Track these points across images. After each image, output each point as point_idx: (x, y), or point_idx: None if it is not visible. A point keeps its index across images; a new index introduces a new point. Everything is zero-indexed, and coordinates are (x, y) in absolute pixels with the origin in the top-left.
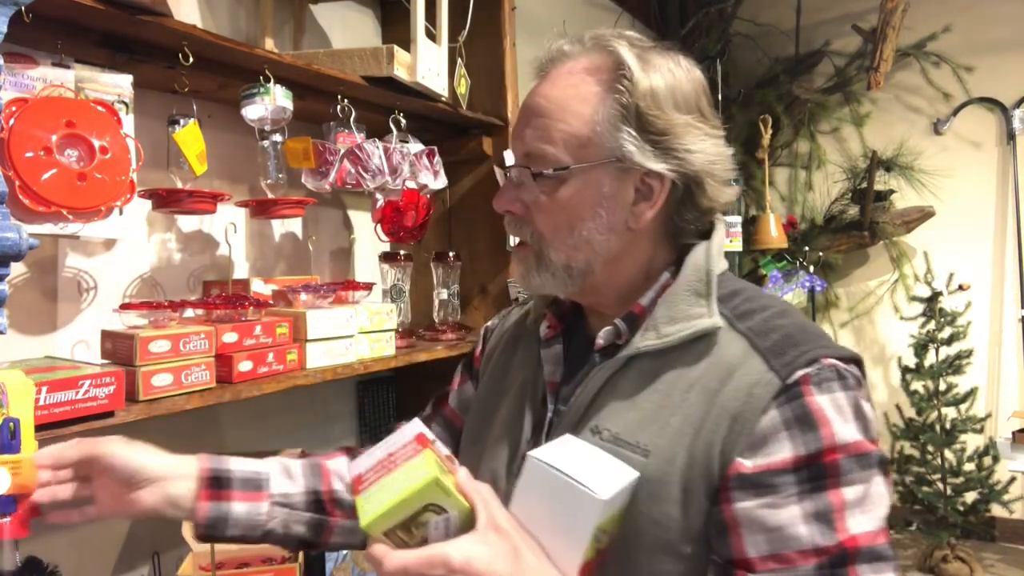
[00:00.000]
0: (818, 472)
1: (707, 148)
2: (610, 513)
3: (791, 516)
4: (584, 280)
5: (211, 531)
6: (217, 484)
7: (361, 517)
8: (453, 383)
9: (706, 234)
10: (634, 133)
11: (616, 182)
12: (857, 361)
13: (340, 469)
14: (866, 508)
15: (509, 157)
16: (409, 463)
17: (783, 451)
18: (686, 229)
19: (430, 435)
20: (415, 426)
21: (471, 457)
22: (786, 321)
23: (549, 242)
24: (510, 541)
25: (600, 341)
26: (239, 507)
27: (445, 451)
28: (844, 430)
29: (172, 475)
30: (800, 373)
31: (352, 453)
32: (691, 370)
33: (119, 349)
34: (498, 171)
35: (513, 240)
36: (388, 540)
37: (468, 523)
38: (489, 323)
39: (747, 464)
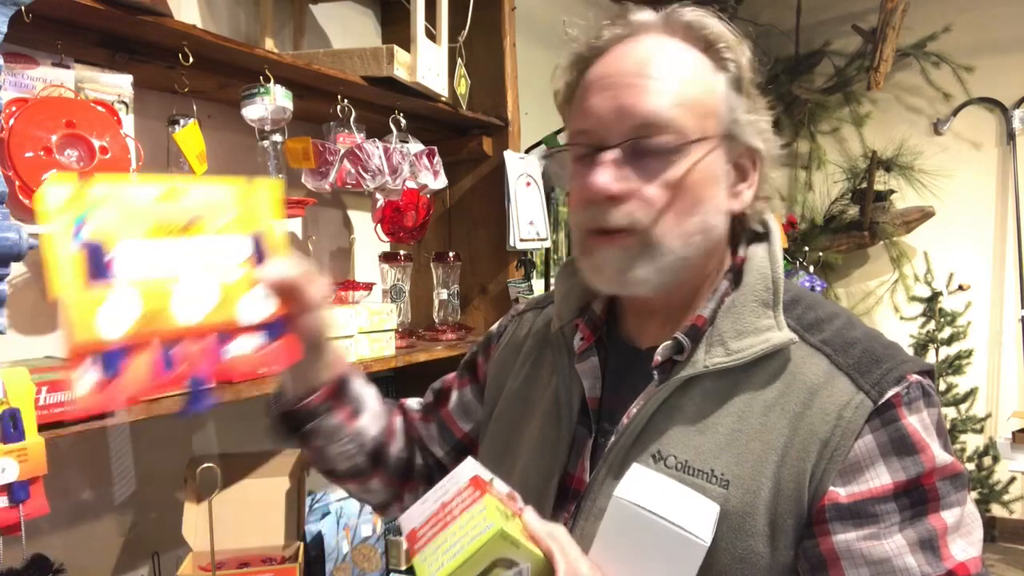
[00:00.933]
0: (919, 498)
1: (770, 128)
2: None
3: (896, 547)
4: (674, 276)
5: (301, 423)
6: (339, 391)
7: None
8: (452, 384)
9: (758, 235)
10: (743, 107)
11: (725, 159)
12: (932, 373)
13: (398, 430)
14: (964, 532)
15: (596, 128)
16: (468, 514)
17: (881, 477)
18: (747, 224)
19: (486, 474)
20: (469, 467)
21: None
22: (859, 333)
23: (668, 227)
24: None
25: (659, 357)
26: (333, 420)
27: (504, 488)
28: (939, 452)
29: (331, 360)
30: (891, 393)
31: (404, 413)
32: (766, 390)
33: None
34: (574, 149)
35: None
36: None
37: (545, 574)
38: (494, 328)
39: (842, 493)
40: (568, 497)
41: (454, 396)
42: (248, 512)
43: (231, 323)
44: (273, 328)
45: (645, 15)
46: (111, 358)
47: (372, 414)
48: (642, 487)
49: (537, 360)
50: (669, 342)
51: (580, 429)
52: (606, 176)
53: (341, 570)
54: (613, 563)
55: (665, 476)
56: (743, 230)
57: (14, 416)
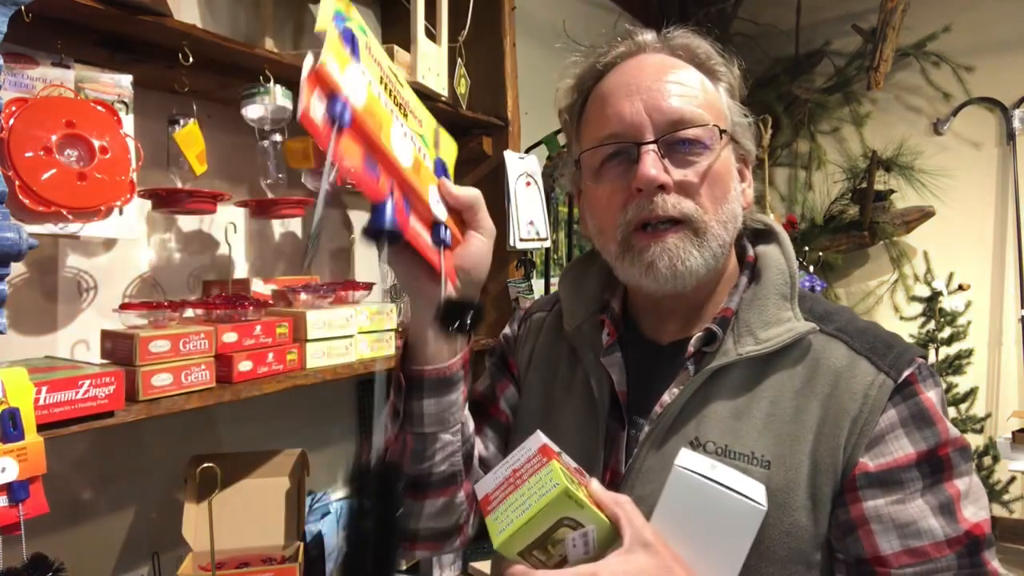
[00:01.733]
0: (937, 466)
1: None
2: None
3: (920, 510)
4: (719, 263)
5: (432, 390)
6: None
7: (493, 538)
8: (489, 391)
9: (762, 235)
10: (738, 112)
11: (732, 158)
12: (926, 357)
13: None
14: (974, 498)
15: (631, 128)
16: (535, 476)
17: (905, 448)
18: (748, 223)
19: (555, 447)
20: (537, 438)
21: None
22: (865, 323)
23: (712, 215)
24: (662, 558)
25: (691, 348)
26: (456, 396)
27: (573, 463)
28: (951, 426)
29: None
30: (908, 372)
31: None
32: (794, 376)
33: (119, 349)
34: (608, 148)
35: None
36: (525, 562)
37: (609, 539)
38: (508, 330)
39: (870, 463)
40: (605, 487)
41: (501, 399)
42: (248, 512)
43: (419, 194)
44: (438, 234)
45: (647, 36)
46: (340, 109)
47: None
48: (697, 461)
49: (555, 358)
50: (701, 333)
51: (612, 423)
52: (654, 167)
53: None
54: (675, 533)
55: (711, 458)
56: (746, 229)
57: (13, 416)
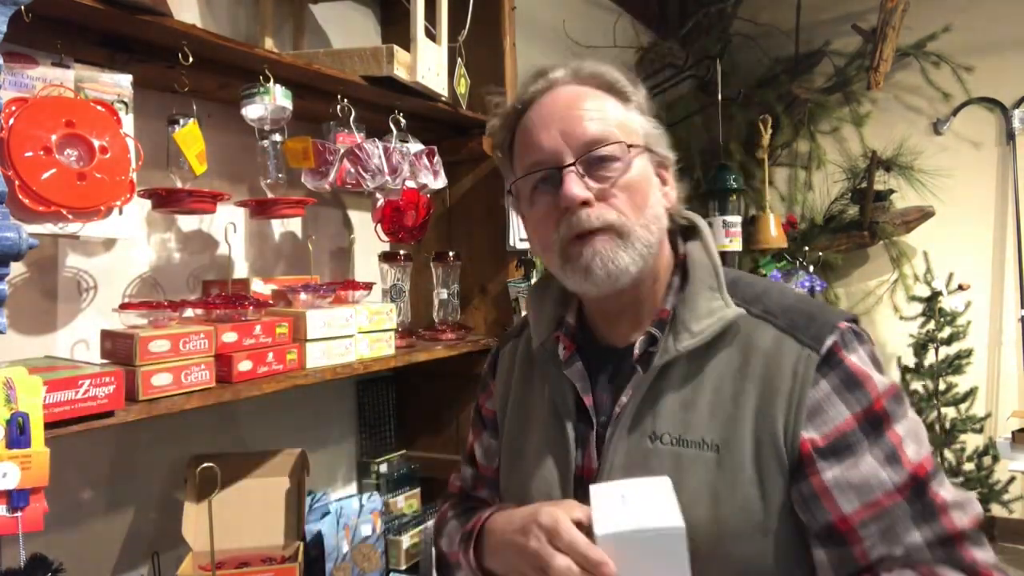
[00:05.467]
0: (875, 421)
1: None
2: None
3: (871, 467)
4: (648, 261)
5: None
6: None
7: None
8: (471, 442)
9: (691, 234)
10: (651, 126)
11: (651, 166)
12: (856, 320)
13: None
14: (913, 437)
15: (551, 156)
16: None
17: (843, 413)
18: (676, 223)
19: None
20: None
21: (512, 482)
22: (791, 299)
23: (634, 220)
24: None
25: (637, 350)
26: None
27: None
28: (880, 378)
29: None
30: (830, 341)
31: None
32: (730, 361)
33: (119, 349)
34: (536, 175)
35: (546, 235)
36: None
37: None
38: (484, 371)
39: (817, 436)
40: (583, 485)
41: (478, 450)
42: (248, 512)
43: None
44: None
45: (558, 72)
46: None
47: None
48: (609, 509)
49: (528, 379)
50: (643, 336)
51: (580, 426)
52: (576, 187)
53: (341, 570)
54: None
55: (616, 482)
56: (676, 229)
57: (23, 422)
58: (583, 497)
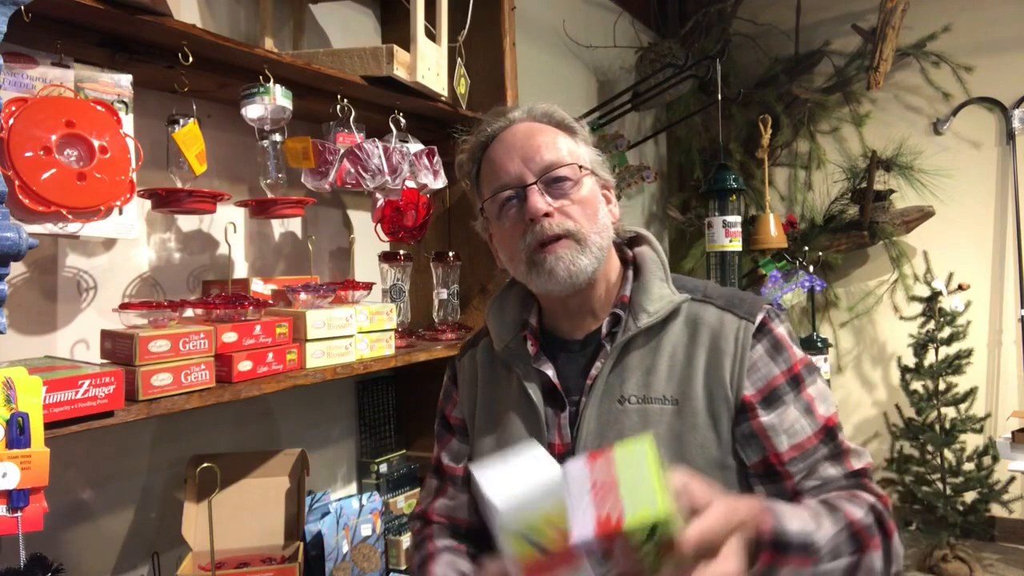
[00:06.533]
0: (796, 380)
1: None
2: (528, 518)
3: (795, 415)
4: (601, 263)
5: None
6: None
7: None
8: (438, 451)
9: (637, 241)
10: (592, 153)
11: (596, 186)
12: (775, 303)
13: None
14: (823, 398)
15: (516, 178)
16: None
17: (773, 371)
18: (622, 235)
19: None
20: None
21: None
22: (725, 288)
23: (588, 228)
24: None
25: (604, 329)
26: None
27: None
28: (798, 350)
29: None
30: (761, 315)
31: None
32: (680, 334)
33: (119, 349)
34: (506, 193)
35: (527, 241)
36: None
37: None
38: (446, 380)
39: (754, 389)
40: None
41: (445, 456)
42: (248, 512)
43: None
44: None
45: (516, 112)
46: None
47: None
48: (491, 467)
49: (494, 380)
50: (608, 317)
51: (549, 411)
52: (539, 201)
53: (341, 570)
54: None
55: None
56: (622, 242)
57: (23, 421)
58: None
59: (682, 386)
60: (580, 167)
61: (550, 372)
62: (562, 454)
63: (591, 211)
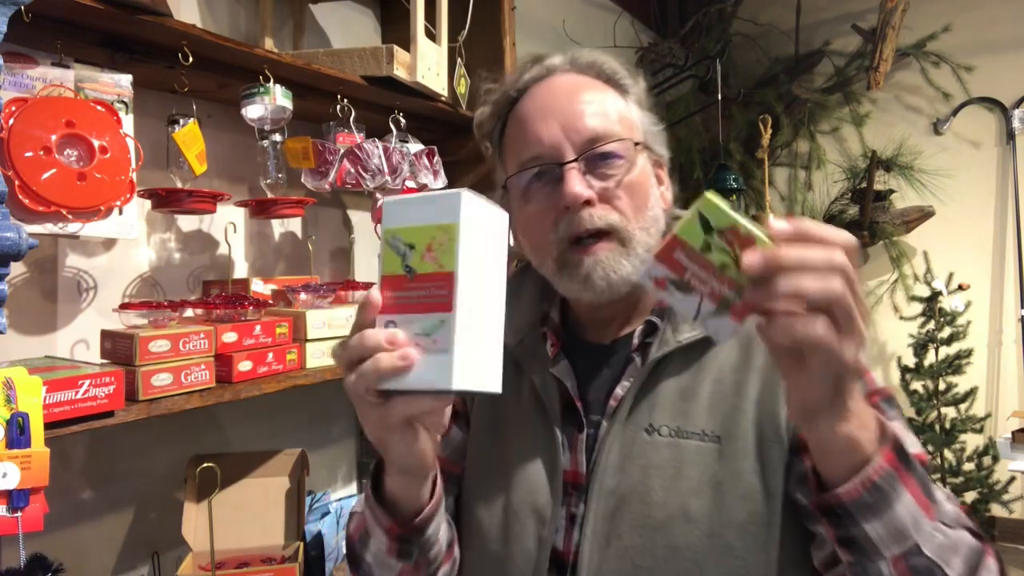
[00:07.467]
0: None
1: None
2: (410, 223)
3: None
4: None
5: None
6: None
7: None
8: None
9: None
10: (649, 121)
11: (649, 165)
12: None
13: None
14: (905, 434)
15: (551, 149)
16: None
17: None
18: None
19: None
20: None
21: (489, 492)
22: None
23: (635, 223)
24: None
25: (636, 341)
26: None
27: None
28: (874, 378)
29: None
30: None
31: None
32: (731, 353)
33: (119, 349)
34: (536, 168)
35: (554, 235)
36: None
37: None
38: None
39: None
40: (568, 491)
41: (443, 443)
42: (248, 512)
43: None
44: None
45: (556, 59)
46: None
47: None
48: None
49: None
50: (642, 325)
51: (567, 428)
52: (578, 185)
53: (341, 570)
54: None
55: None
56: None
57: (23, 421)
58: (574, 504)
59: (727, 420)
60: (636, 144)
61: (569, 383)
62: (575, 484)
63: (641, 200)
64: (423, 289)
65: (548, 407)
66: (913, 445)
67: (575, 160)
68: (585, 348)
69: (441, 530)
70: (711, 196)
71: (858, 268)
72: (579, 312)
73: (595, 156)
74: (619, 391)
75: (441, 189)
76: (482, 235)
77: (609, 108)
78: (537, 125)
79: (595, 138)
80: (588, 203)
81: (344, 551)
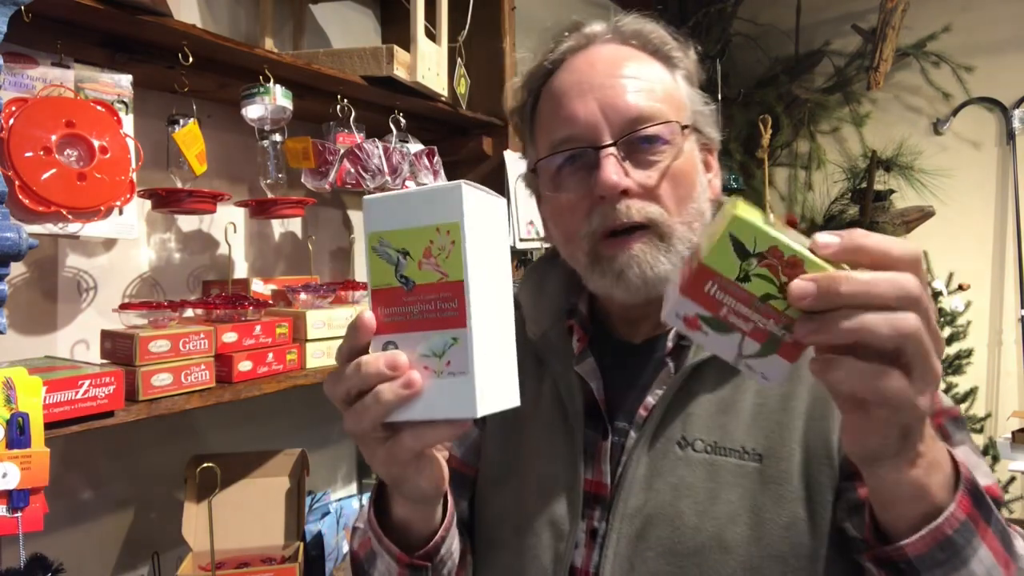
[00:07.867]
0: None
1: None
2: (401, 226)
3: None
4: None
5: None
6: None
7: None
8: None
9: None
10: (699, 100)
11: (696, 150)
12: None
13: None
14: (973, 465)
15: (586, 129)
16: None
17: None
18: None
19: None
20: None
21: (504, 499)
22: None
23: (677, 216)
24: None
25: (670, 344)
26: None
27: None
28: (942, 395)
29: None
30: None
31: None
32: None
33: (119, 349)
34: (569, 150)
35: (581, 228)
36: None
37: None
38: None
39: None
40: (589, 503)
41: (457, 448)
42: (248, 512)
43: None
44: None
45: (596, 27)
46: None
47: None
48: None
49: (522, 369)
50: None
51: (589, 433)
52: (615, 173)
53: (341, 570)
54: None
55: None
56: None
57: (23, 421)
58: (596, 519)
59: (771, 437)
60: (683, 127)
61: (594, 384)
62: (597, 496)
63: (685, 190)
64: (426, 303)
65: (570, 409)
66: (985, 476)
67: (613, 144)
68: (614, 346)
69: (454, 545)
70: (741, 212)
71: (927, 286)
72: (609, 307)
73: (636, 140)
74: (650, 399)
75: (434, 183)
76: (487, 233)
77: (655, 84)
78: (573, 102)
79: (637, 119)
80: (625, 193)
81: (344, 551)
